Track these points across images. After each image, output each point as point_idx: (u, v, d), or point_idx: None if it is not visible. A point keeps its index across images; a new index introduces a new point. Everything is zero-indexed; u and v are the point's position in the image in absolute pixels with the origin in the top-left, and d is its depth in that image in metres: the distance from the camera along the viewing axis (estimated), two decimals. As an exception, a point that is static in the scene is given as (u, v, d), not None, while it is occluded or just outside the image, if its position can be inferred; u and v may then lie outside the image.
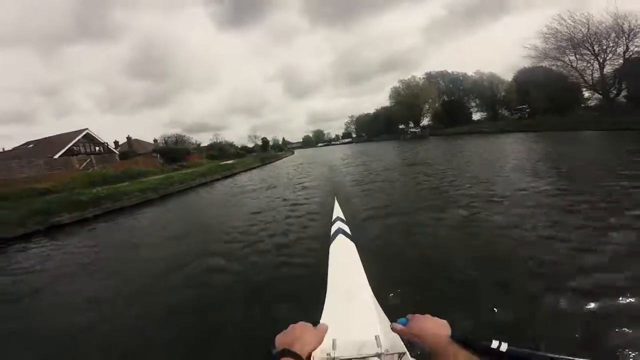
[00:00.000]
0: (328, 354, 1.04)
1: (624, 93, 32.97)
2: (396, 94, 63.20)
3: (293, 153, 54.40)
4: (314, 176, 14.13)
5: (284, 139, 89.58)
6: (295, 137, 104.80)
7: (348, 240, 2.12)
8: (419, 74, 75.08)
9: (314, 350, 0.68)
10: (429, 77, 61.72)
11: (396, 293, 2.67)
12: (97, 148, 27.31)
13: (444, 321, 0.72)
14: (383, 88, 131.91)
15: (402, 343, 1.11)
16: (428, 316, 0.74)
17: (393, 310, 1.17)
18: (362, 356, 1.05)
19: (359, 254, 1.86)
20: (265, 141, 57.98)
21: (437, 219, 4.95)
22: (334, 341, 1.06)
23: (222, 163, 26.86)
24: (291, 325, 0.71)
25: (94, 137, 27.16)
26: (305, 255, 4.03)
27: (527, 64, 40.95)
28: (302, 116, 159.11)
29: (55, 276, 4.57)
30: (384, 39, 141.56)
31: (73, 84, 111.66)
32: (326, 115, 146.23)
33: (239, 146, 55.60)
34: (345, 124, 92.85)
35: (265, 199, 9.18)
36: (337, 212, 2.75)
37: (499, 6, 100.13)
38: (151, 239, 6.28)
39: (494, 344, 0.60)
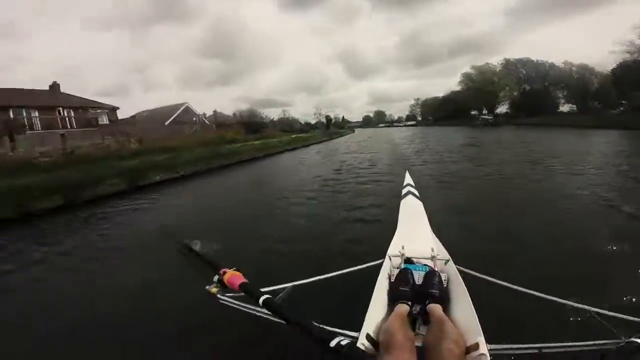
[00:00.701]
0: (399, 251, 1.79)
1: None
2: (468, 80, 59.95)
3: (354, 131, 56.30)
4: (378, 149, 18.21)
5: (343, 117, 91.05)
6: (355, 116, 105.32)
7: (416, 199, 2.66)
8: (496, 59, 69.34)
9: None
10: (507, 64, 57.05)
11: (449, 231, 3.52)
12: (194, 119, 32.89)
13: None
14: (454, 72, 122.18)
15: (448, 254, 1.81)
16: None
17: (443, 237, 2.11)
18: (421, 257, 1.74)
19: (425, 208, 2.47)
20: (328, 119, 61.02)
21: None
22: (403, 246, 1.81)
23: (297, 135, 30.57)
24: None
25: (191, 109, 32.70)
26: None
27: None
28: (363, 96, 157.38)
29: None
30: (457, 21, 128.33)
31: (156, 62, 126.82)
32: (388, 96, 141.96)
33: (302, 122, 59.64)
34: (410, 106, 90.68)
35: (338, 162, 12.82)
36: (408, 179, 3.35)
37: None
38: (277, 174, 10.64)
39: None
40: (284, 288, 1.51)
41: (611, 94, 42.93)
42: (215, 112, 40.20)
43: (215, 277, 1.39)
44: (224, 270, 1.41)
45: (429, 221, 2.31)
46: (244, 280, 1.32)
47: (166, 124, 27.69)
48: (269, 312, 1.15)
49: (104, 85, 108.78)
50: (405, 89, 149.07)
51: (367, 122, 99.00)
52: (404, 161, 12.10)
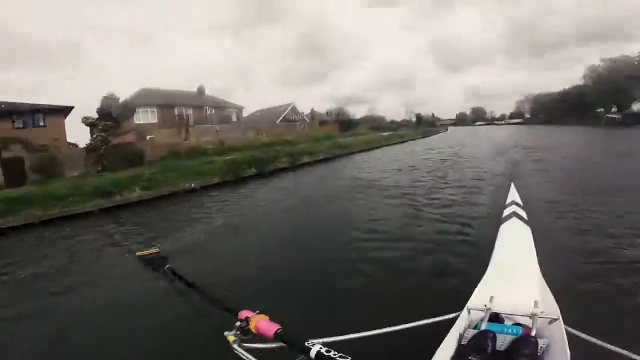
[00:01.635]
0: (485, 305, 1.28)
1: None
2: (595, 74, 50.94)
3: (447, 130, 54.46)
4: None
5: (433, 114, 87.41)
6: (448, 114, 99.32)
7: (523, 224, 2.04)
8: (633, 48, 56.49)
9: None
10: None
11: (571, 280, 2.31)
12: (296, 116, 37.74)
13: None
14: (576, 64, 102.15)
15: (559, 310, 1.24)
16: None
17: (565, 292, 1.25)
18: (515, 313, 1.25)
19: (534, 240, 1.82)
20: (419, 117, 60.46)
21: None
22: (492, 297, 1.29)
23: (394, 132, 32.58)
24: None
25: (296, 109, 37.63)
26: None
27: None
28: (457, 92, 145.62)
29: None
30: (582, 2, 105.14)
31: (253, 65, 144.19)
32: (489, 91, 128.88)
33: (389, 120, 60.69)
34: (517, 102, 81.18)
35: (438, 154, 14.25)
36: (513, 195, 2.68)
37: None
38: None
39: None
40: (326, 343, 1.10)
41: None
42: (312, 110, 45.02)
43: (237, 323, 1.18)
44: (245, 314, 1.21)
45: (539, 260, 1.67)
46: (278, 326, 1.12)
47: (277, 122, 32.89)
48: None
49: (214, 87, 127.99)
50: (511, 83, 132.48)
51: (461, 120, 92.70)
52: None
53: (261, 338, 1.13)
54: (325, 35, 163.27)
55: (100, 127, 13.48)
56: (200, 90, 30.26)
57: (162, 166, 10.45)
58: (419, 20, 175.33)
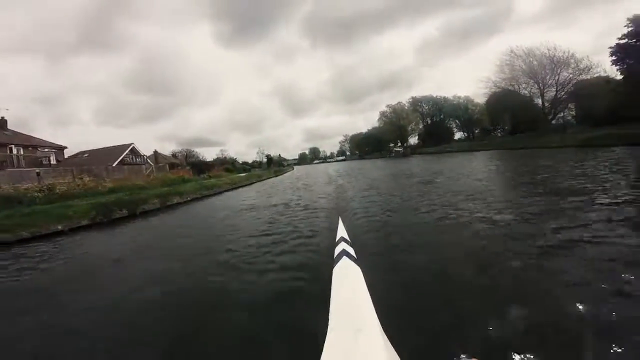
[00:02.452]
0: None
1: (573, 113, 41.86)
2: (384, 117, 73.23)
3: (293, 168, 62.18)
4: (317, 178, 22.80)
5: (279, 155, 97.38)
6: (292, 154, 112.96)
7: (353, 264, 2.06)
8: (413, 93, 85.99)
9: None
10: (414, 101, 71.91)
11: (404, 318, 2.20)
12: (137, 159, 34.40)
13: None
14: (378, 106, 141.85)
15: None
16: None
17: (404, 345, 1.13)
18: None
19: (365, 279, 1.80)
20: (269, 157, 66.25)
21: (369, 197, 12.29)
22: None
23: (252, 173, 34.68)
24: None
25: (136, 150, 34.36)
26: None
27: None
28: (298, 133, 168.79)
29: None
30: (380, 59, 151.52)
31: (73, 94, 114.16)
32: (322, 132, 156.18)
33: (241, 161, 63.73)
34: (340, 142, 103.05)
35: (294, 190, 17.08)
36: (342, 232, 2.86)
37: (488, 27, 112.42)
38: (237, 201, 13.99)
39: None
40: None
41: (487, 120, 57.12)
42: (156, 152, 41.84)
43: None
44: None
45: (374, 306, 1.57)
46: None
47: (114, 165, 29.06)
48: None
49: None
50: (337, 124, 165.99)
51: (303, 159, 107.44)
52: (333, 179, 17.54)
53: None
54: (171, 70, 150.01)
55: None
56: (1, 124, 23.50)
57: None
58: (270, 64, 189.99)
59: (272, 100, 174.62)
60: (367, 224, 5.71)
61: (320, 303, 1.64)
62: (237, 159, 64.85)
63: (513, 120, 48.02)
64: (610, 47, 28.67)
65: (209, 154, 63.39)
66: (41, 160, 22.23)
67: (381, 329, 1.35)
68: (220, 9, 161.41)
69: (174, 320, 2.84)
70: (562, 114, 43.36)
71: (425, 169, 19.13)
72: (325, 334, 1.32)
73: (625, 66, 27.93)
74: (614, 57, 28.84)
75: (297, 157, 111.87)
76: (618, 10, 58.97)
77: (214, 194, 17.55)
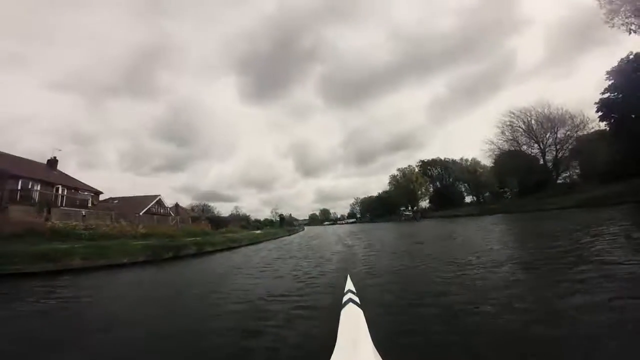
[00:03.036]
0: None
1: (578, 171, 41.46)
2: (395, 181, 75.90)
3: (304, 229, 63.09)
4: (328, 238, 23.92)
5: (290, 214, 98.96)
6: (302, 214, 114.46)
7: (357, 307, 2.63)
8: (424, 153, 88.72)
9: None
10: (424, 164, 74.93)
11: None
12: (161, 210, 36.56)
13: None
14: (390, 167, 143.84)
15: None
16: None
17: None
18: None
19: (366, 320, 2.28)
20: (282, 217, 68.14)
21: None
22: None
23: (267, 231, 36.14)
24: None
25: (162, 201, 36.83)
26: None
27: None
28: (310, 193, 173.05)
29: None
30: (391, 119, 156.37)
31: (104, 137, 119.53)
32: (333, 194, 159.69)
33: (253, 218, 65.55)
34: (351, 205, 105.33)
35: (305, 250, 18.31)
36: (349, 285, 3.38)
37: (492, 83, 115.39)
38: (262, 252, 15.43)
39: None
40: None
41: (495, 183, 56.40)
42: (177, 204, 44.32)
43: None
44: None
45: (372, 339, 2.00)
46: None
47: (142, 213, 31.04)
48: None
49: (33, 149, 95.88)
50: (349, 185, 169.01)
51: (313, 220, 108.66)
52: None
53: None
54: (193, 120, 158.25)
55: None
56: (52, 163, 26.32)
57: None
58: (286, 122, 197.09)
59: (285, 159, 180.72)
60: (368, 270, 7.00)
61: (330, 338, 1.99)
62: (250, 216, 66.87)
63: (520, 182, 47.75)
64: (596, 103, 28.56)
65: (223, 209, 65.75)
66: (80, 202, 24.42)
67: (378, 354, 1.67)
68: (245, 66, 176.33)
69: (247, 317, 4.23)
70: (568, 173, 44.22)
71: (430, 232, 20.27)
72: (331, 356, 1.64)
73: (612, 121, 27.57)
74: (600, 113, 28.69)
75: (307, 217, 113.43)
76: (618, 52, 52.42)
77: (238, 247, 18.81)
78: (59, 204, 22.09)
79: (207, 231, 28.36)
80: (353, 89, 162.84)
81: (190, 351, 3.09)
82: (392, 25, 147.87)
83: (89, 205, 26.00)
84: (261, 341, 3.19)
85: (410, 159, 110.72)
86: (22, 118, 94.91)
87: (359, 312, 2.49)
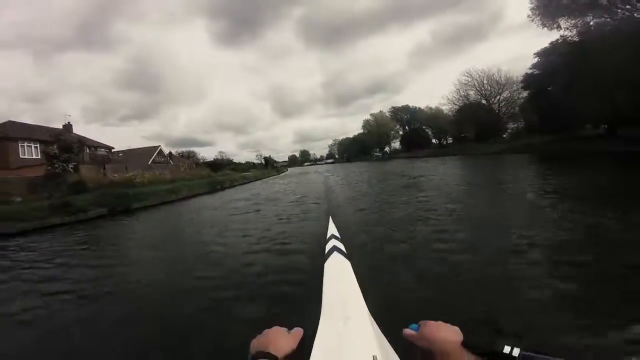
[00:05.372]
0: None
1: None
2: (368, 125, 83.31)
3: (287, 170, 70.83)
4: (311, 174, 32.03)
5: (270, 156, 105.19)
6: (281, 156, 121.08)
7: (343, 257, 2.23)
8: (402, 96, 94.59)
9: (289, 353, 0.71)
10: (395, 110, 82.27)
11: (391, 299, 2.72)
12: (162, 159, 42.34)
13: (456, 327, 0.75)
14: (370, 109, 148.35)
15: (393, 351, 1.20)
16: (440, 322, 0.76)
17: (392, 327, 1.18)
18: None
19: (355, 271, 1.97)
20: (267, 159, 74.80)
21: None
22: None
23: (265, 170, 43.31)
24: (266, 330, 0.77)
25: (162, 152, 42.39)
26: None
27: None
28: (289, 135, 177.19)
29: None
30: (371, 62, 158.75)
31: (62, 92, 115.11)
32: (312, 135, 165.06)
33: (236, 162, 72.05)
34: (329, 146, 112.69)
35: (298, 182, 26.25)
36: (332, 230, 2.93)
37: (476, 34, 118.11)
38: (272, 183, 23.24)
39: (506, 349, 0.64)
40: None
41: (455, 130, 67.12)
42: (170, 153, 49.99)
43: None
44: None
45: (362, 295, 1.72)
46: None
47: (149, 163, 37.06)
48: None
49: None
50: (328, 126, 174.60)
51: (293, 161, 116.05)
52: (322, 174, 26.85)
53: None
54: (158, 67, 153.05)
55: (62, 158, 17.47)
56: (68, 128, 31.16)
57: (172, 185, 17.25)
58: (263, 65, 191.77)
59: (263, 101, 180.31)
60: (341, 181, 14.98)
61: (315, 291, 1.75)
62: (232, 159, 72.98)
63: (477, 129, 56.97)
64: (522, 76, 37.04)
65: (205, 154, 71.02)
66: (102, 158, 30.11)
67: (370, 315, 1.45)
68: (216, 7, 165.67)
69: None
70: (516, 124, 54.51)
71: (384, 169, 28.72)
72: (318, 321, 1.41)
73: (533, 91, 35.31)
74: (522, 84, 37.53)
75: (286, 159, 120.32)
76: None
77: (249, 182, 26.48)
78: (85, 161, 27.70)
79: (210, 174, 35.24)
80: (333, 32, 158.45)
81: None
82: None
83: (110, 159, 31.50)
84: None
85: (388, 102, 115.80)
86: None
87: (346, 263, 2.13)
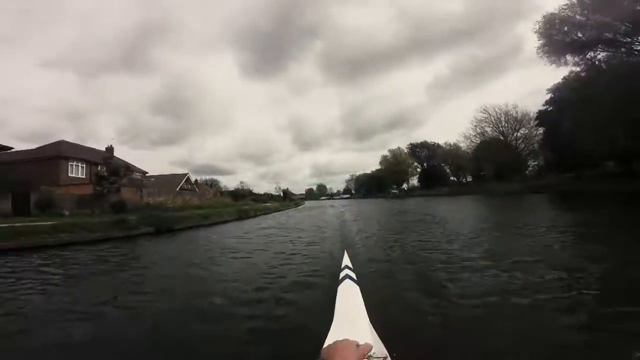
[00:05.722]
0: None
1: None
2: (385, 161, 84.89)
3: (304, 203, 72.24)
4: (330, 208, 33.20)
5: (287, 189, 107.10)
6: (299, 189, 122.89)
7: (354, 284, 2.75)
8: (422, 131, 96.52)
9: None
10: (412, 147, 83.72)
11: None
12: (188, 186, 44.83)
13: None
14: (387, 145, 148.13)
15: (386, 351, 1.62)
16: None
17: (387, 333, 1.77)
18: None
19: (362, 295, 2.43)
20: (285, 192, 76.82)
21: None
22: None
23: (282, 203, 45.35)
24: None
25: (189, 179, 45.05)
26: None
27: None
28: (306, 168, 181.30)
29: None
30: (390, 96, 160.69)
31: (100, 112, 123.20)
32: (330, 169, 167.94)
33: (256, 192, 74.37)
34: (346, 181, 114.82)
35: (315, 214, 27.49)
36: (346, 261, 3.40)
37: (495, 67, 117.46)
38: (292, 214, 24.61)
39: None
40: None
41: (474, 167, 66.02)
42: (196, 180, 52.69)
43: None
44: None
45: (367, 311, 2.19)
46: None
47: (177, 189, 39.40)
48: None
49: (24, 127, 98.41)
50: (345, 161, 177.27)
51: (309, 195, 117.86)
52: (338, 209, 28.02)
53: None
54: (190, 94, 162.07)
55: (110, 180, 19.54)
56: (110, 150, 34.13)
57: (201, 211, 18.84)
58: (285, 97, 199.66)
59: (283, 133, 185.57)
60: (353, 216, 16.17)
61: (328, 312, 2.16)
62: (252, 190, 75.41)
63: (496, 167, 56.10)
64: (535, 113, 37.65)
65: (226, 183, 74.01)
66: (137, 182, 32.61)
67: (371, 327, 1.90)
68: (244, 41, 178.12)
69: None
70: (536, 162, 54.54)
71: (403, 207, 29.54)
72: (328, 332, 1.82)
73: (545, 128, 35.80)
74: (537, 121, 38.00)
75: (303, 191, 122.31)
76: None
77: (270, 213, 27.93)
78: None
79: (231, 203, 37.05)
80: (353, 66, 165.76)
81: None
82: (397, 5, 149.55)
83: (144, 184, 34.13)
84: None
85: (407, 137, 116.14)
86: (11, 98, 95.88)
87: (356, 289, 2.63)
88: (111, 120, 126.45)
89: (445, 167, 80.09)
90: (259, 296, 4.21)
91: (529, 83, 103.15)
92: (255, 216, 24.02)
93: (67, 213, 16.56)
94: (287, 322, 3.42)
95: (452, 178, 78.90)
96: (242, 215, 21.59)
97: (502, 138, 54.80)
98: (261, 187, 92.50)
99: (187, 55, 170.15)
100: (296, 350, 2.79)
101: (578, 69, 25.82)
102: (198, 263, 6.73)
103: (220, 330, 3.26)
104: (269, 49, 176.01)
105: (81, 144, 32.82)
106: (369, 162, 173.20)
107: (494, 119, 55.20)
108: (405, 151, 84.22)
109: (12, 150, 22.02)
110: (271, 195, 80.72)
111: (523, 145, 52.71)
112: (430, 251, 6.53)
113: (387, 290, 4.37)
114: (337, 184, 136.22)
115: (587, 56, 24.25)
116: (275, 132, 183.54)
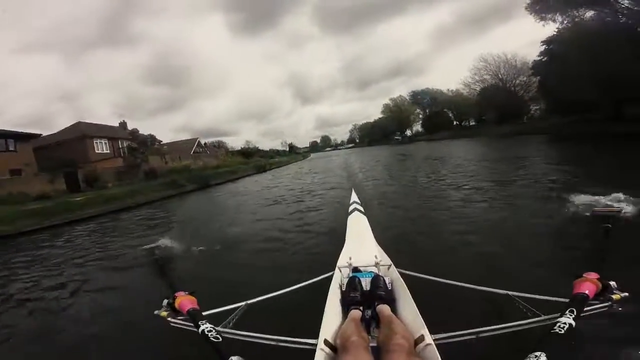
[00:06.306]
0: (347, 262, 2.19)
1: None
2: (388, 109, 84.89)
3: (310, 155, 74.62)
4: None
5: (291, 143, 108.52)
6: (302, 142, 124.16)
7: (361, 214, 3.39)
8: (424, 79, 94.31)
9: None
10: (414, 94, 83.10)
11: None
12: (200, 149, 47.10)
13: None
14: (389, 93, 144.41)
15: (390, 260, 2.21)
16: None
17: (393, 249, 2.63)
18: (366, 265, 2.17)
19: (369, 222, 3.15)
20: (291, 146, 79.22)
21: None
22: (350, 257, 2.26)
23: (293, 155, 47.85)
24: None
25: (200, 143, 47.13)
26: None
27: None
28: (309, 122, 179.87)
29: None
30: (391, 45, 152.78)
31: (92, 90, 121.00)
32: (333, 120, 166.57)
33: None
34: (350, 131, 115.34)
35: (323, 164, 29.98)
36: (354, 198, 4.22)
37: (502, 14, 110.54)
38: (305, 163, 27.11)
39: None
40: (238, 307, 1.75)
41: (476, 112, 67.32)
42: (205, 143, 54.84)
43: (165, 302, 1.56)
44: (177, 293, 1.57)
45: (373, 233, 2.83)
46: (194, 306, 1.45)
47: (191, 153, 41.80)
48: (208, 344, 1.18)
49: (22, 113, 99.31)
50: (348, 111, 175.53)
51: (314, 147, 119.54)
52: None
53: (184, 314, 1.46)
54: (186, 61, 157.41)
55: (141, 150, 22.02)
56: (123, 125, 36.09)
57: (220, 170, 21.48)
58: (282, 53, 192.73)
59: (283, 89, 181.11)
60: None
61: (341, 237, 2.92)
62: (258, 147, 77.54)
63: (498, 112, 55.98)
64: (532, 62, 37.24)
65: (231, 143, 76.14)
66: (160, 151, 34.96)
67: (378, 245, 2.55)
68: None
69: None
70: (538, 106, 54.81)
71: (404, 151, 31.84)
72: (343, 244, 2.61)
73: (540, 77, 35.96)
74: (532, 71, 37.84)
75: (307, 144, 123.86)
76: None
77: (283, 166, 30.70)
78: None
79: (243, 161, 39.54)
80: (349, 15, 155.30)
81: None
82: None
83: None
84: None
85: (409, 84, 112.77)
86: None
87: (363, 218, 3.24)
88: (106, 96, 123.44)
89: (448, 112, 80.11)
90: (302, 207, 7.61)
91: (533, 31, 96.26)
92: (270, 169, 26.80)
93: (109, 185, 19.15)
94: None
95: (455, 123, 79.28)
96: (260, 170, 24.46)
97: (501, 84, 55.57)
98: (264, 144, 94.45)
99: (173, 20, 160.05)
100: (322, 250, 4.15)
101: (562, 26, 25.95)
102: (256, 195, 10.11)
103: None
104: (259, 5, 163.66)
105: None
106: (372, 111, 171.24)
107: (494, 68, 55.84)
108: (407, 99, 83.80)
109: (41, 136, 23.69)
110: (277, 150, 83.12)
111: (522, 92, 53.64)
112: (424, 186, 8.91)
113: (389, 215, 5.95)
114: (341, 135, 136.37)
115: (575, 13, 24.42)
116: (275, 88, 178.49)
